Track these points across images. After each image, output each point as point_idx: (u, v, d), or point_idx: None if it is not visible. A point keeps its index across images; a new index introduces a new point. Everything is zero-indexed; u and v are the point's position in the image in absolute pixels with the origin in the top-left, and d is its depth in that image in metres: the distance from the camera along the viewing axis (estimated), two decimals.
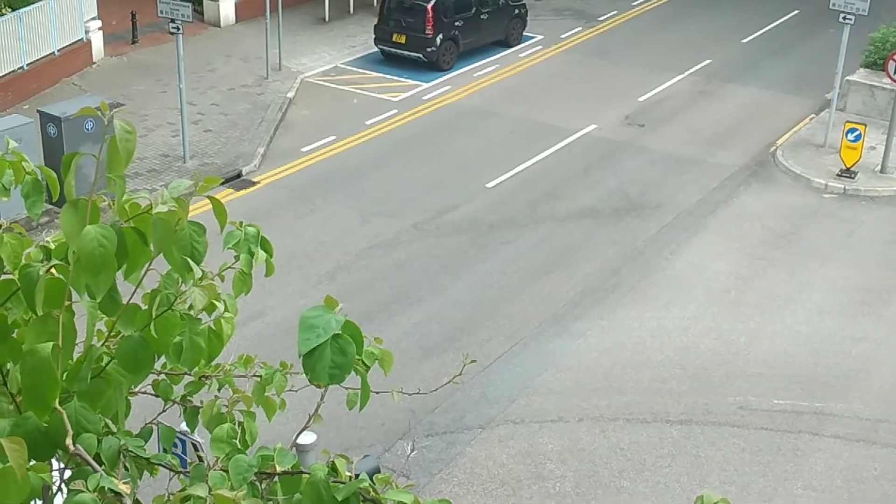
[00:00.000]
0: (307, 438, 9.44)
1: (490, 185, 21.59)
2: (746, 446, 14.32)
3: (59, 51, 25.42)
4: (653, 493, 13.45)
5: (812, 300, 17.89)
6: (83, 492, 2.24)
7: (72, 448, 2.28)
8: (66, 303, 2.48)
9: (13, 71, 24.03)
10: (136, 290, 2.78)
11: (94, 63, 26.88)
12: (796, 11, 33.20)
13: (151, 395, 3.27)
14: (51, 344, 2.37)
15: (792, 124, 25.05)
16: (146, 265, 2.65)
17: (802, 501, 13.36)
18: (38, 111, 20.19)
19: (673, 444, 14.35)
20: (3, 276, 2.76)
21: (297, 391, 3.73)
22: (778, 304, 17.72)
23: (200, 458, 8.87)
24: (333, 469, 2.73)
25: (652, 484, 13.60)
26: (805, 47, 30.24)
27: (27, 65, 24.32)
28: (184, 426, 3.95)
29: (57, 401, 2.36)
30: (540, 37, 30.55)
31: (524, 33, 30.20)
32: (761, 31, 31.59)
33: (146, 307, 2.74)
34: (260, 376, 3.36)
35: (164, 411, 3.37)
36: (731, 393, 15.38)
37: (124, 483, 2.29)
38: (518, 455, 14.06)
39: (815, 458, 14.16)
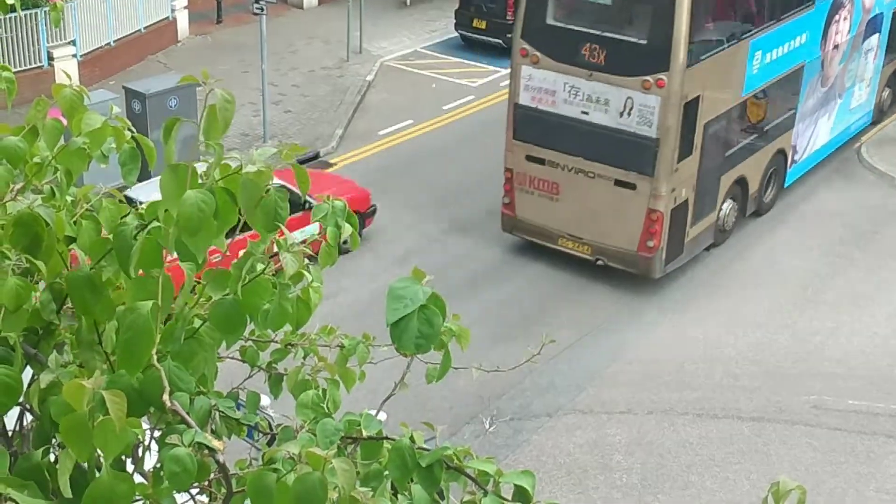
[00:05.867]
0: (378, 417, 9.53)
1: None
2: (819, 446, 14.11)
3: (145, 28, 25.89)
4: (721, 488, 13.33)
5: (891, 300, 17.51)
6: (178, 446, 2.32)
7: (168, 404, 2.35)
8: (165, 263, 2.56)
9: (100, 47, 24.54)
10: (222, 253, 2.85)
11: (179, 41, 27.33)
12: None
13: (238, 360, 3.36)
14: (151, 302, 2.44)
15: None
16: (237, 227, 2.72)
17: None
18: (123, 87, 20.56)
19: (743, 440, 14.19)
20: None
21: (376, 363, 3.80)
22: (856, 304, 17.39)
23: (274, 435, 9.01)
24: (412, 441, 2.78)
25: (721, 479, 13.47)
26: None
27: (114, 41, 24.82)
28: (264, 399, 4.03)
29: (155, 359, 2.43)
30: None
31: None
32: None
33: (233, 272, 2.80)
34: (343, 346, 3.42)
35: (250, 377, 3.45)
36: (805, 391, 15.15)
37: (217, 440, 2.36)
38: (585, 445, 14.03)
39: (889, 461, 13.90)
